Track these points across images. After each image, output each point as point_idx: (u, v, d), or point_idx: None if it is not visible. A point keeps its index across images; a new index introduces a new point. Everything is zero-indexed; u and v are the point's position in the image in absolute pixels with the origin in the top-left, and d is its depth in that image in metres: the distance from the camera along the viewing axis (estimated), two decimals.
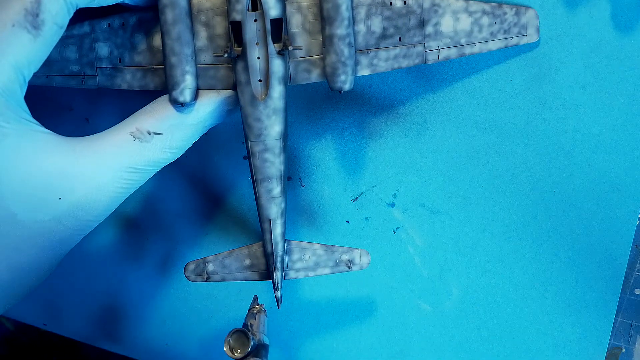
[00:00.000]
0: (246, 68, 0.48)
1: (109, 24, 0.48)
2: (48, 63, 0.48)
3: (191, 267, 0.58)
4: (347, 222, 0.62)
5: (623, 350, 0.62)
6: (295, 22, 0.49)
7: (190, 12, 0.47)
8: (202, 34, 0.48)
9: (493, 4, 0.50)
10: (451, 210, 0.60)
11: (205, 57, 0.49)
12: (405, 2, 0.49)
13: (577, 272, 0.60)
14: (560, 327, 0.62)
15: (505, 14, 0.51)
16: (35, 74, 0.48)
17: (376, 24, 0.49)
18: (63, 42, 0.48)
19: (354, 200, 0.62)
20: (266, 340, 0.56)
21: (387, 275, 0.63)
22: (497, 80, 0.56)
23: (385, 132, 0.59)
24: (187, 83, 0.48)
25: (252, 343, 0.51)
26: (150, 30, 0.48)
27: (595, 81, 0.55)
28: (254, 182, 0.53)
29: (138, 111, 0.49)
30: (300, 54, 0.49)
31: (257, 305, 0.57)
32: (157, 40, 0.48)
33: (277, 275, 0.56)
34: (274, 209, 0.54)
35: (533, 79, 0.55)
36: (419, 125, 0.58)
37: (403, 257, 0.63)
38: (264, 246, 0.55)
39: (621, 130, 0.56)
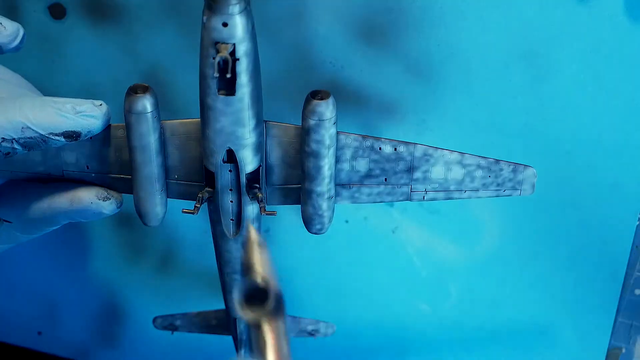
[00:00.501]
0: (218, 209, 0.47)
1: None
2: (12, 161, 0.47)
3: (159, 320, 0.61)
4: (346, 221, 0.62)
5: (623, 350, 0.62)
6: (275, 156, 0.46)
7: (162, 141, 0.45)
8: (175, 155, 0.46)
9: (490, 159, 0.47)
10: (450, 210, 0.60)
11: (179, 174, 0.47)
12: (395, 149, 0.46)
13: (577, 272, 0.60)
14: (560, 327, 0.62)
15: (501, 169, 0.47)
16: (3, 174, 0.47)
17: (362, 165, 0.47)
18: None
19: None
20: (280, 286, 0.51)
21: (385, 275, 0.63)
22: (497, 80, 0.56)
23: (385, 132, 0.59)
24: (156, 214, 0.47)
25: (271, 297, 0.45)
26: (119, 145, 0.46)
27: (595, 81, 0.55)
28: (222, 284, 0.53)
29: (1, 197, 0.48)
30: (277, 182, 0.47)
31: (255, 233, 0.51)
32: (125, 154, 0.46)
33: (241, 353, 0.57)
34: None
35: (533, 79, 0.55)
36: (419, 125, 0.58)
37: (402, 257, 0.62)
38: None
39: (621, 130, 0.56)
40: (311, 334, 0.60)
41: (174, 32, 0.57)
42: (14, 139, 0.42)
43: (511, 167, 0.47)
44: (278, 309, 0.42)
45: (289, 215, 0.61)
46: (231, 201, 0.47)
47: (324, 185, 0.45)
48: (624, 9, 0.53)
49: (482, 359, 0.64)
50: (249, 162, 0.44)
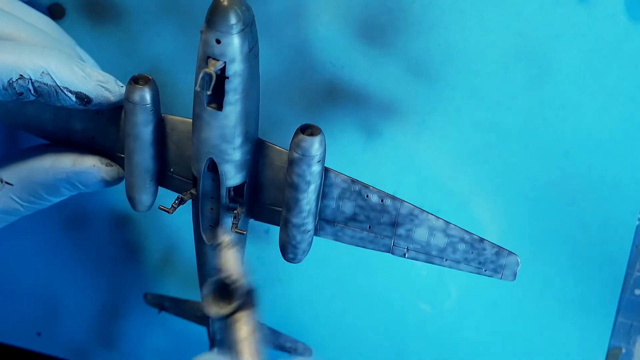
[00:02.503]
0: (197, 213, 0.47)
1: (84, 108, 0.46)
2: (26, 117, 0.47)
3: (149, 297, 0.63)
4: None
5: (623, 350, 0.62)
6: (265, 176, 0.46)
7: (161, 132, 0.46)
8: (173, 150, 0.47)
9: (475, 236, 0.46)
10: (451, 210, 0.60)
11: (174, 169, 0.47)
12: (382, 201, 0.46)
13: (576, 272, 0.60)
14: (560, 327, 0.62)
15: (484, 249, 0.46)
16: (13, 122, 0.48)
17: (347, 207, 0.46)
18: (41, 105, 0.46)
19: None
20: (251, 282, 0.47)
21: (385, 275, 0.63)
22: (497, 80, 0.56)
23: (385, 132, 0.59)
24: (144, 201, 0.47)
25: (241, 291, 0.43)
26: (123, 126, 0.46)
27: (595, 81, 0.55)
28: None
29: (5, 158, 0.49)
30: (265, 201, 0.47)
31: (227, 237, 0.48)
32: None
33: (214, 350, 0.58)
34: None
35: (533, 79, 0.55)
36: (419, 125, 0.58)
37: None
38: None
39: (621, 130, 0.56)
40: (288, 351, 0.61)
41: (173, 32, 0.57)
42: (31, 79, 0.43)
43: (495, 249, 0.46)
44: (247, 304, 0.42)
45: None
46: (211, 209, 0.47)
47: (300, 218, 0.45)
48: (624, 9, 0.53)
49: (482, 359, 0.64)
50: (231, 177, 0.44)
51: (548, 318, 0.62)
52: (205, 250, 0.49)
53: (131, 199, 0.48)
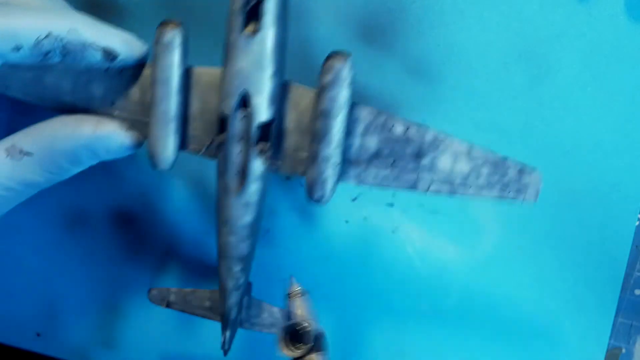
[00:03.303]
0: (225, 159, 0.47)
1: (108, 68, 0.47)
2: (43, 87, 0.48)
3: (154, 292, 0.60)
4: (346, 221, 0.62)
5: (623, 350, 0.62)
6: (290, 119, 0.46)
7: (186, 85, 0.46)
8: (195, 104, 0.47)
9: (498, 156, 0.47)
10: (451, 210, 0.60)
11: (195, 126, 0.48)
12: (407, 130, 0.47)
13: (576, 272, 0.60)
14: (560, 327, 0.62)
15: (508, 169, 0.47)
16: (28, 94, 0.48)
17: (372, 142, 0.47)
18: (61, 73, 0.47)
19: (353, 200, 0.61)
20: (320, 327, 0.52)
21: (385, 275, 0.63)
22: (497, 80, 0.56)
23: None
24: (167, 155, 0.47)
25: (311, 335, 0.47)
26: (146, 86, 0.47)
27: (595, 81, 0.55)
28: (218, 252, 0.52)
29: (24, 129, 0.48)
30: (288, 149, 0.47)
31: (297, 287, 0.53)
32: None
33: (227, 334, 0.57)
34: (230, 283, 0.53)
35: (533, 79, 0.55)
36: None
37: (402, 257, 0.62)
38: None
39: (621, 130, 0.56)
40: None
41: None
42: (58, 36, 0.43)
43: (518, 167, 0.47)
44: (317, 348, 0.45)
45: (289, 215, 0.61)
46: (239, 152, 0.47)
47: (331, 148, 0.45)
48: (624, 9, 0.53)
49: (481, 359, 0.64)
50: (262, 110, 0.45)
51: (547, 318, 0.62)
52: (229, 204, 0.49)
53: (154, 156, 0.47)
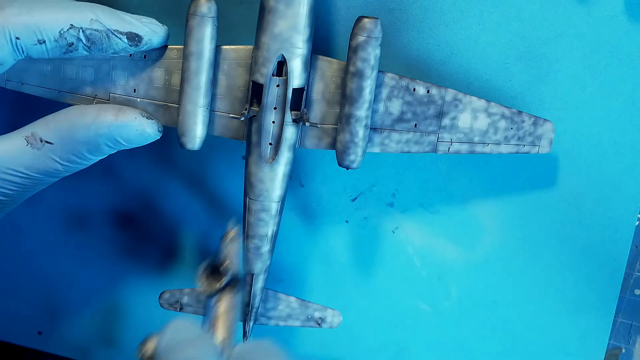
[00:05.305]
0: (259, 130, 0.48)
1: (131, 54, 0.47)
2: (63, 80, 0.48)
3: (166, 295, 0.60)
4: (346, 221, 0.62)
5: (623, 350, 0.62)
6: (316, 90, 0.48)
7: (215, 62, 0.47)
8: (222, 82, 0.48)
9: (514, 110, 0.51)
10: (451, 210, 0.60)
11: (221, 105, 0.49)
12: (428, 91, 0.49)
13: (576, 272, 0.60)
14: (560, 327, 0.62)
15: (523, 121, 0.51)
16: (47, 87, 0.48)
17: (395, 106, 0.49)
18: (82, 62, 0.48)
19: (353, 200, 0.61)
20: (241, 271, 0.53)
21: (386, 275, 0.63)
22: (497, 80, 0.56)
23: None
24: (198, 132, 0.48)
25: (229, 274, 0.49)
26: (170, 68, 0.48)
27: (595, 81, 0.55)
28: (244, 235, 0.53)
29: (43, 117, 0.49)
30: (314, 120, 0.49)
31: (233, 231, 0.53)
32: (175, 79, 0.48)
33: (250, 324, 0.57)
34: (259, 265, 0.54)
35: (533, 79, 0.55)
36: None
37: (402, 257, 0.62)
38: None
39: (621, 130, 0.56)
40: (318, 322, 0.60)
41: (174, 32, 0.57)
42: (81, 28, 0.45)
43: (532, 119, 0.51)
44: (232, 288, 0.48)
45: (289, 215, 0.61)
46: (273, 122, 0.48)
47: (364, 109, 0.47)
48: (623, 9, 0.53)
49: (481, 359, 0.64)
50: (297, 75, 0.46)
51: (547, 318, 0.62)
52: (260, 174, 0.50)
53: (184, 135, 0.48)
